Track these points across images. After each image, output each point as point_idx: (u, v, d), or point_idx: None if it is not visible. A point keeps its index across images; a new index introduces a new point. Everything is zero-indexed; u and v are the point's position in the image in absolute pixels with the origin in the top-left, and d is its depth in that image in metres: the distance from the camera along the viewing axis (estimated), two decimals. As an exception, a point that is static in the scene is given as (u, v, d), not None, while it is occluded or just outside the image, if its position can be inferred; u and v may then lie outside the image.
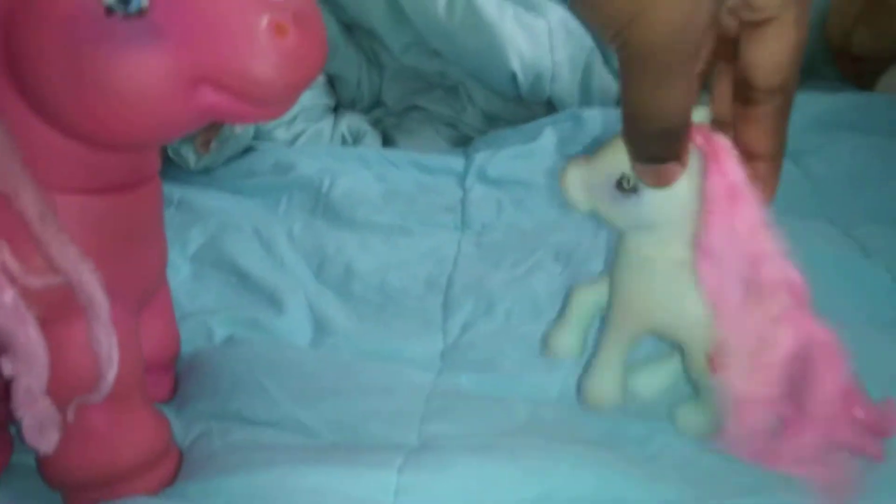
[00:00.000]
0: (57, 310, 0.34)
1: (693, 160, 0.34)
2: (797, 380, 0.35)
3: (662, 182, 0.33)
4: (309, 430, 0.43)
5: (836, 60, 0.86)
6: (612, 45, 0.29)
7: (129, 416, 0.38)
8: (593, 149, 0.36)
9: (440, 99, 0.84)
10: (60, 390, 0.35)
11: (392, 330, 0.53)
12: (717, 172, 0.34)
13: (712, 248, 0.34)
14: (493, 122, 0.83)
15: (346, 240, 0.62)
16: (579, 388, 0.42)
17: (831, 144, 0.70)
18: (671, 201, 0.35)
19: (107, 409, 0.37)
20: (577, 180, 0.36)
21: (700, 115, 0.35)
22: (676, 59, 0.28)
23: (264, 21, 0.30)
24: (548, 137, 0.73)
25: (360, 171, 0.72)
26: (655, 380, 0.44)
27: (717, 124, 0.36)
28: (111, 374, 0.35)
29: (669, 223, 0.36)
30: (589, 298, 0.41)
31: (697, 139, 0.34)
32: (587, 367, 0.41)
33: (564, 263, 0.58)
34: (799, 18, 0.30)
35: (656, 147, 0.32)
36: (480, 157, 0.73)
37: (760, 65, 0.31)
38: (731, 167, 0.34)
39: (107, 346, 0.34)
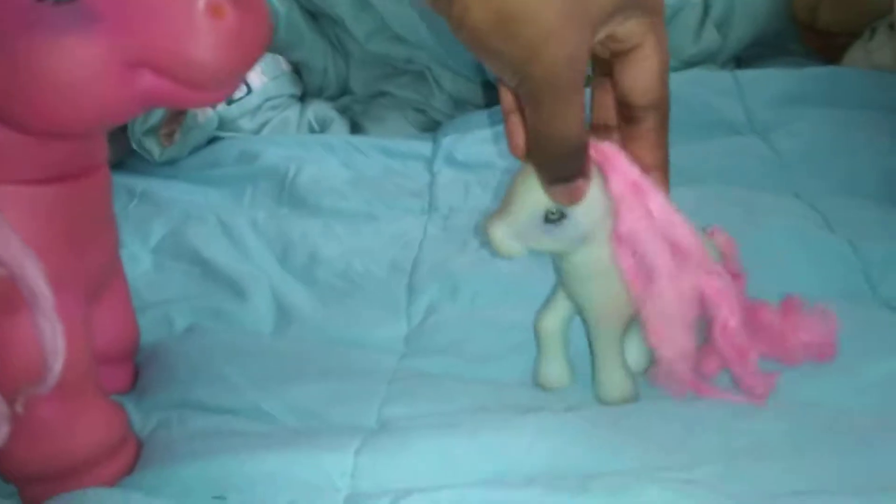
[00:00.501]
0: (0, 302, 0.34)
1: (593, 169, 0.37)
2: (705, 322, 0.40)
3: (576, 198, 0.37)
4: (269, 416, 0.43)
5: (803, 36, 0.86)
6: (515, 82, 0.33)
7: (80, 408, 0.38)
8: (499, 202, 0.39)
9: (407, 84, 0.84)
10: (7, 383, 0.34)
11: (356, 315, 0.52)
12: (616, 174, 0.37)
13: (625, 236, 0.38)
14: (461, 106, 0.83)
15: (311, 227, 0.62)
16: (597, 395, 0.43)
17: (797, 119, 0.70)
18: (594, 209, 0.38)
19: (57, 400, 0.36)
20: (505, 235, 0.38)
21: None
22: (572, 82, 0.32)
23: (200, 2, 0.30)
24: (514, 120, 0.73)
25: (326, 159, 0.71)
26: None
27: (601, 129, 0.40)
28: (58, 365, 0.34)
29: (599, 228, 0.38)
30: (555, 324, 0.44)
31: (591, 151, 0.37)
32: (595, 376, 0.42)
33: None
34: (659, 43, 0.35)
35: (564, 167, 0.36)
36: (448, 141, 0.73)
37: (634, 86, 0.36)
38: (625, 166, 0.37)
39: (52, 338, 0.34)
